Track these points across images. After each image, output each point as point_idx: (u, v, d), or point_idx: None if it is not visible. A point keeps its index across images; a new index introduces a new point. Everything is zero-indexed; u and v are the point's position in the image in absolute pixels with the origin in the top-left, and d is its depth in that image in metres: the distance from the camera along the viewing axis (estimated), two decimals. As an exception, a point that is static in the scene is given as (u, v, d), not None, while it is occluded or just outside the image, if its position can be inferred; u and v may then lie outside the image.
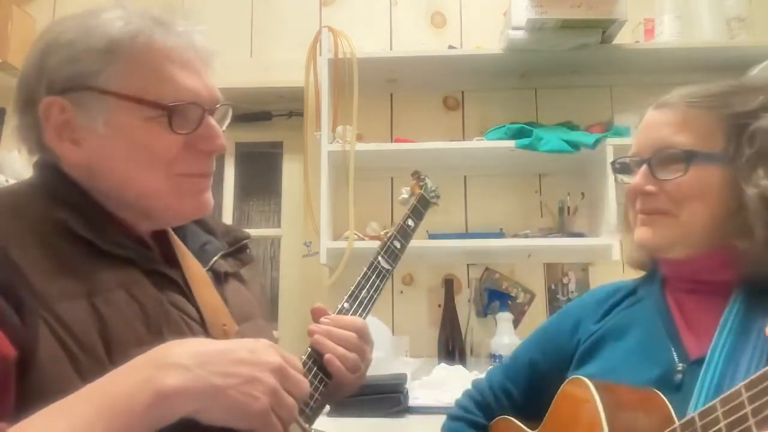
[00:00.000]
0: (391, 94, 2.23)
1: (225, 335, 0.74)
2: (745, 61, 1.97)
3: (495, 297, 2.08)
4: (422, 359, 1.94)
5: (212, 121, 0.74)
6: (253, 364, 0.60)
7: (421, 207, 1.18)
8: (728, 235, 0.78)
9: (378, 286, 0.96)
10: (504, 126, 1.97)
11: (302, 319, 1.96)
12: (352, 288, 0.94)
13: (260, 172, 2.43)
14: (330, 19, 2.21)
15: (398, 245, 1.04)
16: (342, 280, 1.96)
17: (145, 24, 0.71)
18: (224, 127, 0.79)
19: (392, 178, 2.19)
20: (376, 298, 0.93)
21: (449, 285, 2.05)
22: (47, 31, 0.72)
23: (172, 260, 0.77)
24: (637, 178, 0.83)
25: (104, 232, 0.68)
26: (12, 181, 1.61)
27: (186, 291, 0.74)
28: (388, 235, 1.04)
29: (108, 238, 0.68)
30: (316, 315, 0.90)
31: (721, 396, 0.62)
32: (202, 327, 0.73)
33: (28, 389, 0.58)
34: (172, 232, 0.81)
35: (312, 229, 2.04)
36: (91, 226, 0.68)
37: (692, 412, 0.66)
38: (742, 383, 0.60)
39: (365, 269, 0.97)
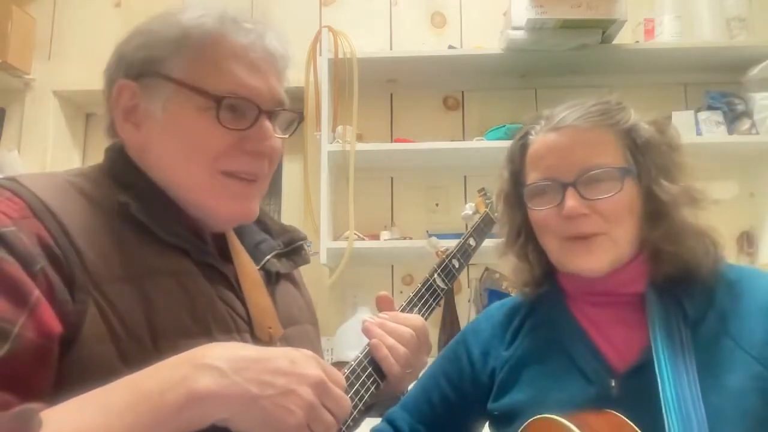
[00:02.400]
0: (391, 94, 2.23)
1: (270, 338, 0.73)
2: (745, 61, 1.97)
3: (495, 297, 2.07)
4: (422, 359, 1.94)
5: (266, 122, 0.72)
6: (291, 376, 0.58)
7: (484, 226, 1.09)
8: (646, 243, 0.81)
9: (431, 305, 0.90)
10: (504, 126, 1.97)
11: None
12: (404, 304, 0.88)
13: (260, 172, 2.43)
14: (330, 19, 2.21)
15: (456, 264, 0.98)
16: (342, 280, 1.97)
17: (219, 21, 0.72)
18: (287, 134, 0.77)
19: (392, 178, 2.19)
20: (427, 318, 0.88)
21: (449, 285, 2.04)
22: (138, 24, 0.75)
23: (227, 256, 0.76)
24: (569, 202, 0.79)
25: (161, 220, 0.69)
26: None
27: (236, 288, 0.73)
28: (447, 252, 0.98)
29: (164, 226, 0.68)
30: (381, 303, 0.87)
31: None
32: (249, 326, 0.72)
33: (69, 367, 0.57)
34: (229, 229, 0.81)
35: (312, 229, 2.04)
36: (150, 212, 0.68)
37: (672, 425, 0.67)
38: None
39: (419, 286, 0.91)
